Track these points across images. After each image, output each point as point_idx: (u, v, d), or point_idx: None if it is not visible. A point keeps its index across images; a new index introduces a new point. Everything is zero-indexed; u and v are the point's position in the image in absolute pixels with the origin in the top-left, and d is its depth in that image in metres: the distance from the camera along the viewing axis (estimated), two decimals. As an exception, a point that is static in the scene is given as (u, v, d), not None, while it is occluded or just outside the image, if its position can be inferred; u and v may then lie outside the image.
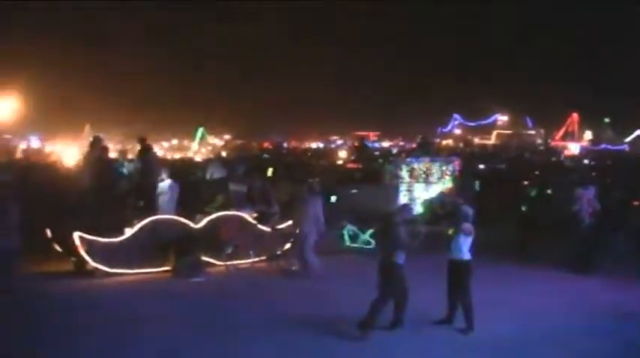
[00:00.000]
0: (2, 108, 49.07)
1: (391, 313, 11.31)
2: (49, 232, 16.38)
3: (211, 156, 31.75)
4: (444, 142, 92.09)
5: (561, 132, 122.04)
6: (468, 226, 11.46)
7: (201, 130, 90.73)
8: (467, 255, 11.48)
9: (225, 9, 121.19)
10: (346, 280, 15.12)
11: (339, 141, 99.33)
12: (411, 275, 11.38)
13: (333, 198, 22.64)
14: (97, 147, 17.51)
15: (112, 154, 20.99)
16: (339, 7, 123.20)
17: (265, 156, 48.17)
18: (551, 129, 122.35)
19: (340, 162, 48.32)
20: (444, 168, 25.23)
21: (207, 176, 20.89)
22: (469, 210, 11.74)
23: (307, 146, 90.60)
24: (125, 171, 18.64)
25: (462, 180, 24.90)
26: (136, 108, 78.71)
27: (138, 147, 18.61)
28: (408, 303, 11.25)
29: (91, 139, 18.70)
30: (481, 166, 33.62)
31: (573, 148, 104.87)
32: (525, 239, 18.64)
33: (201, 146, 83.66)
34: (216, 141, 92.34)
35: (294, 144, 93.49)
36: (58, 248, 16.27)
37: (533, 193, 21.99)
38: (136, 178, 18.01)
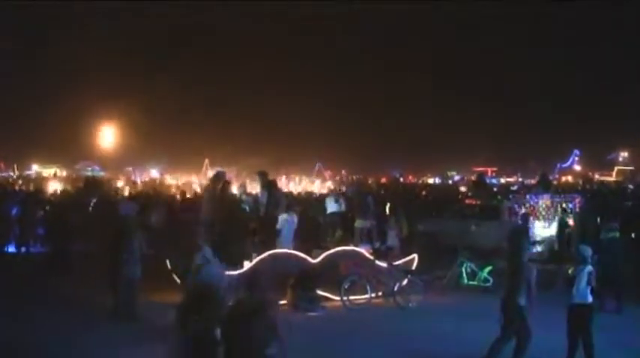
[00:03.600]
0: (107, 139, 50.91)
1: (510, 353, 11.08)
2: (168, 263, 16.75)
3: (328, 191, 31.67)
4: (564, 178, 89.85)
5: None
6: (591, 271, 11.15)
7: (317, 165, 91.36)
8: (589, 299, 11.17)
9: (341, 44, 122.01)
10: (465, 319, 14.90)
11: (457, 177, 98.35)
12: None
13: None
14: (219, 182, 17.81)
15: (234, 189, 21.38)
16: (460, 44, 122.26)
17: (382, 191, 47.91)
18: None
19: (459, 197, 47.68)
20: (564, 205, 24.72)
21: (328, 210, 20.98)
22: (588, 251, 11.43)
23: (424, 181, 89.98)
24: (247, 207, 18.79)
25: (583, 218, 24.29)
26: (253, 143, 79.79)
27: (258, 181, 18.82)
28: (529, 345, 10.97)
29: (214, 174, 19.01)
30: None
31: None
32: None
33: (317, 180, 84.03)
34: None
35: (410, 179, 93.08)
36: (177, 279, 16.60)
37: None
38: (262, 211, 18.16)
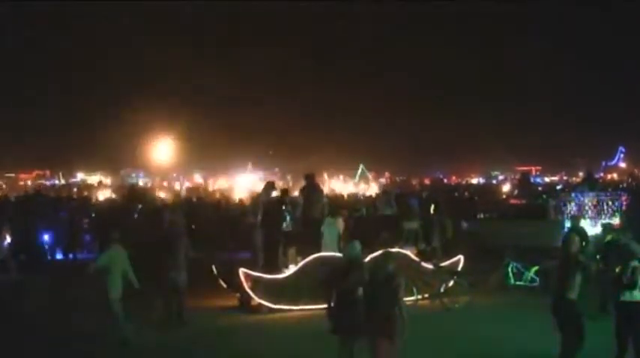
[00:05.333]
0: (164, 148, 51.52)
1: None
2: (214, 268, 16.84)
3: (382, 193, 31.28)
4: (609, 176, 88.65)
5: None
6: (636, 266, 10.90)
7: (361, 167, 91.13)
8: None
9: (388, 44, 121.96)
10: (512, 320, 14.73)
11: (501, 177, 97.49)
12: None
13: None
14: (269, 191, 17.91)
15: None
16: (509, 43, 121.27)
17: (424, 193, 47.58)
18: None
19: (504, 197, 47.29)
20: (610, 203, 24.46)
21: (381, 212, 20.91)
22: (638, 248, 11.20)
23: (468, 182, 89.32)
24: (288, 216, 18.80)
25: (630, 215, 23.99)
26: (296, 148, 79.97)
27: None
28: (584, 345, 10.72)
29: (265, 184, 19.04)
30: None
31: None
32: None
33: (361, 183, 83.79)
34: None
35: (454, 179, 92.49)
36: (223, 284, 16.70)
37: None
38: (299, 214, 18.12)
